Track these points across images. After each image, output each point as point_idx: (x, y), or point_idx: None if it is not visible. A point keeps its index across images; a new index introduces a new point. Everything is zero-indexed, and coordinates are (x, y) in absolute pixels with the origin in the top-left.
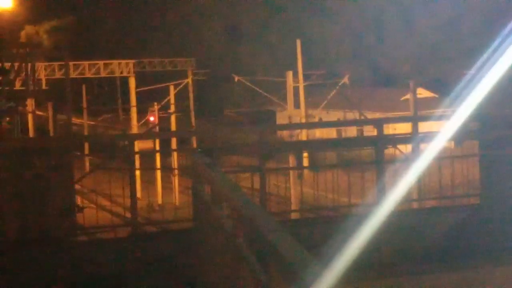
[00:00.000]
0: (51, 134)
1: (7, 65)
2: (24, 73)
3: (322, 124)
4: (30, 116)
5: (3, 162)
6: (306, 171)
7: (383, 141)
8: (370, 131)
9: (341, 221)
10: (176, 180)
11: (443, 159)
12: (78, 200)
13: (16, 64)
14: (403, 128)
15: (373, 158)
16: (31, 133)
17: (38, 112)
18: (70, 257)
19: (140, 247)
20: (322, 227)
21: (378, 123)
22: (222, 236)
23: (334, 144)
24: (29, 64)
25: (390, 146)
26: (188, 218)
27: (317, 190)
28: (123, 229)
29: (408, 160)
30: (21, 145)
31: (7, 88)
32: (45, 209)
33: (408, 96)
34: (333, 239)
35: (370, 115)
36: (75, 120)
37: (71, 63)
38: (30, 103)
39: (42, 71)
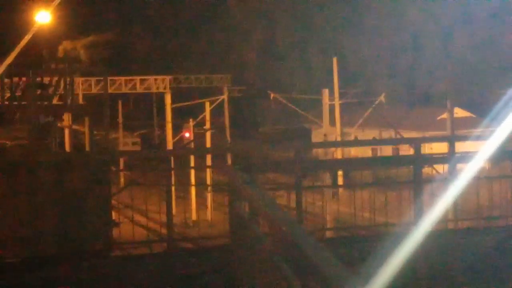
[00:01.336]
0: (87, 149)
1: (46, 79)
2: (62, 87)
3: (358, 143)
4: (66, 131)
5: (41, 177)
6: (341, 190)
7: (420, 160)
8: (405, 150)
9: (377, 240)
10: (210, 197)
11: (480, 179)
12: (113, 215)
13: (55, 79)
14: (439, 147)
15: (410, 178)
16: (67, 148)
17: (75, 127)
18: (105, 272)
19: (175, 263)
20: (357, 246)
21: (416, 142)
22: (260, 254)
23: (371, 162)
24: (68, 79)
25: (427, 165)
26: (224, 235)
27: (354, 209)
28: (159, 245)
29: (445, 180)
30: (59, 160)
31: (45, 102)
32: (82, 224)
33: (444, 115)
34: (369, 259)
35: (406, 134)
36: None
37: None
38: (67, 118)
39: (79, 86)
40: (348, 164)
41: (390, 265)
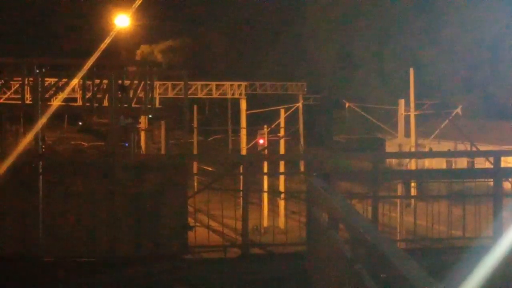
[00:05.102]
0: (163, 152)
1: (126, 82)
2: (140, 91)
3: (435, 154)
4: (142, 134)
5: (120, 178)
6: (416, 202)
7: (501, 173)
8: (481, 163)
9: (452, 254)
10: (282, 204)
11: None
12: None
13: (135, 82)
14: None
15: (485, 191)
16: (143, 151)
17: (152, 130)
18: (180, 274)
19: (250, 269)
20: (430, 259)
21: (496, 155)
22: (340, 261)
23: (450, 174)
24: (148, 82)
25: (505, 179)
26: (297, 242)
27: (432, 222)
28: (232, 249)
29: None
30: (136, 162)
31: (125, 105)
32: (159, 226)
33: None
34: (444, 273)
35: (482, 147)
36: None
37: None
38: (143, 121)
39: (157, 89)
40: (427, 175)
41: (467, 282)
